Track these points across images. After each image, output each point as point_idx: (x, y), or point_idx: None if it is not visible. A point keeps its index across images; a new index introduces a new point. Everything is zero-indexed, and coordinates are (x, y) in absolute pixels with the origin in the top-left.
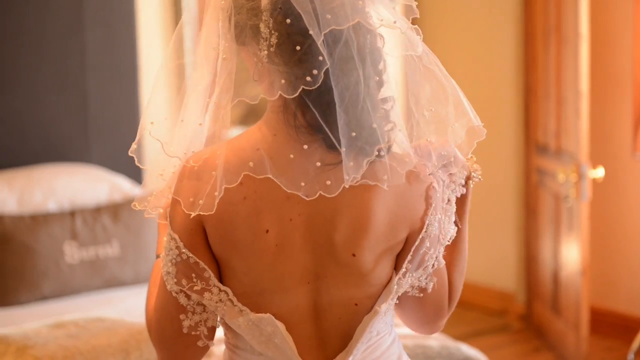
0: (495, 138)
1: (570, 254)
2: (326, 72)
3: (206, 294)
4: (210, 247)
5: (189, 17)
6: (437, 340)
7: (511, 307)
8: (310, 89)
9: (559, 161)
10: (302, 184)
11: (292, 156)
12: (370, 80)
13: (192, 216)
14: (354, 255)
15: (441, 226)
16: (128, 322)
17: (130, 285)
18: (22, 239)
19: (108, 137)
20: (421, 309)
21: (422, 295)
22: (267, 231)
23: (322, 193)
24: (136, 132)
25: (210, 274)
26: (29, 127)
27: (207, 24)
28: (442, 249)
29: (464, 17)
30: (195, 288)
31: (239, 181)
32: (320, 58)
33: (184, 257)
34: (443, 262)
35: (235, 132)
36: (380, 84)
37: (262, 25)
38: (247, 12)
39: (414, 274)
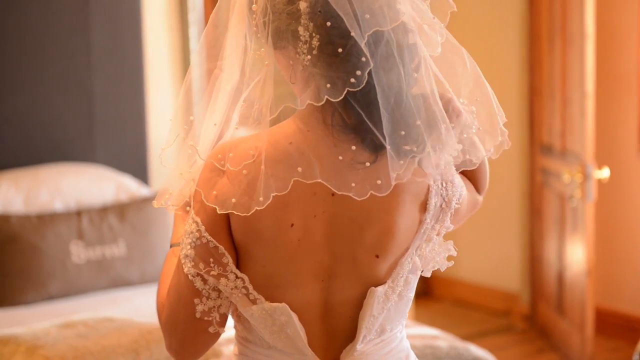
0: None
1: (575, 255)
2: (369, 72)
3: (222, 280)
4: (232, 234)
5: (195, 17)
6: (445, 341)
7: (515, 308)
8: (355, 90)
9: (564, 161)
10: (353, 184)
11: (340, 158)
12: (410, 78)
13: (218, 211)
14: (377, 256)
15: (444, 196)
16: (137, 322)
17: (137, 285)
18: (29, 238)
19: (113, 137)
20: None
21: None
22: (292, 225)
23: (374, 192)
24: (142, 131)
25: (229, 259)
26: (34, 127)
27: (233, 27)
28: (451, 212)
29: (469, 17)
30: (212, 273)
31: (289, 188)
32: (364, 59)
33: (204, 240)
34: (451, 227)
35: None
36: (416, 81)
37: (301, 29)
38: (286, 17)
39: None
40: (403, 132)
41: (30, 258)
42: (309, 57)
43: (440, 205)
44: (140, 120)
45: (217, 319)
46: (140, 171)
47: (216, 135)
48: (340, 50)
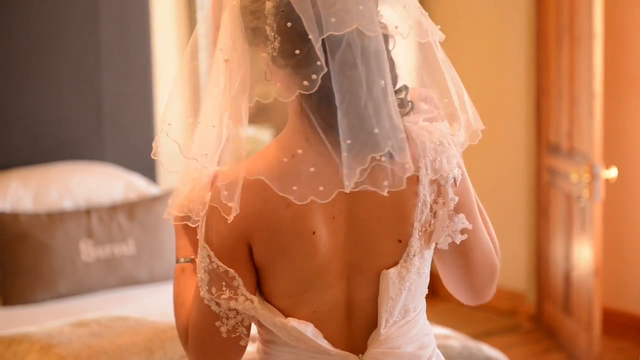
0: (507, 137)
1: (583, 254)
2: (329, 77)
3: (232, 302)
4: (253, 256)
5: (203, 16)
6: (457, 341)
7: (521, 307)
8: (307, 93)
9: (571, 161)
10: (321, 188)
11: (312, 170)
12: (374, 85)
13: (234, 225)
14: (400, 241)
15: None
16: (151, 321)
17: (146, 284)
18: (38, 237)
19: (122, 136)
20: (468, 270)
21: (463, 258)
22: (314, 233)
23: (314, 198)
24: (150, 130)
25: (239, 282)
26: (43, 125)
27: (224, 25)
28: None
29: (476, 16)
30: (222, 297)
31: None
32: (319, 63)
33: (214, 266)
34: (469, 225)
35: (250, 131)
36: (385, 89)
37: (267, 29)
38: (251, 15)
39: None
40: (349, 141)
41: (40, 257)
42: (270, 56)
43: (436, 179)
44: (149, 119)
45: (244, 332)
46: (149, 170)
47: (217, 136)
48: (297, 52)
